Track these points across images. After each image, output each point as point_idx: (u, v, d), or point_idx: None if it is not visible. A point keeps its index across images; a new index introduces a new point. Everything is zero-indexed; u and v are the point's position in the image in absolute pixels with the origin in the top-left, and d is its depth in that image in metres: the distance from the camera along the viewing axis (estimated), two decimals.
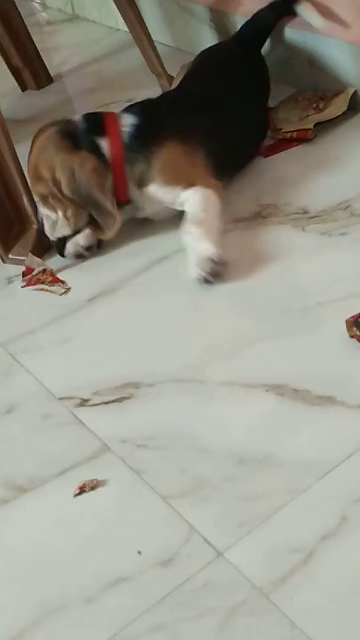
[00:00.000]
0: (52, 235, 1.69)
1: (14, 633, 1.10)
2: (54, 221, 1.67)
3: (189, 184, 1.62)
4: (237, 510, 1.15)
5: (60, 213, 1.65)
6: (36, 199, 1.69)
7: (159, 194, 1.64)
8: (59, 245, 1.69)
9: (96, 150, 1.62)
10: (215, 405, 1.31)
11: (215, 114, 1.72)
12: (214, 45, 2.01)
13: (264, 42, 1.95)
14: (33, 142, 1.68)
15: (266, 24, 1.94)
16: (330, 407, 1.25)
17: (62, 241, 1.68)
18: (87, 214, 1.65)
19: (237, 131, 1.74)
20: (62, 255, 1.69)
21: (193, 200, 1.61)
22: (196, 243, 1.56)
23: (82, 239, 1.66)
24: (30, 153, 1.67)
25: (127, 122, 1.66)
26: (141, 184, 1.64)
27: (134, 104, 1.74)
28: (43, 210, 1.68)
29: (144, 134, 1.64)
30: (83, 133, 1.64)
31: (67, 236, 1.68)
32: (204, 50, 1.95)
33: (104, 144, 1.63)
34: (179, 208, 1.63)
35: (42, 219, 1.70)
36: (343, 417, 1.23)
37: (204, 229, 1.57)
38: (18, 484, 1.28)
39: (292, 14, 1.89)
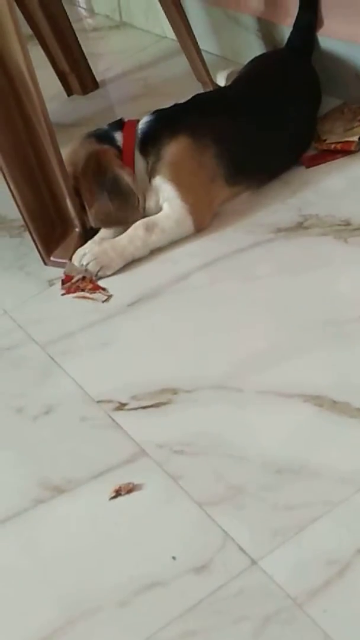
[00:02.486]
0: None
1: (47, 633, 1.10)
2: None
3: (189, 193, 1.67)
4: (273, 519, 1.15)
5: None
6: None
7: (162, 186, 1.69)
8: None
9: (114, 145, 1.73)
10: (253, 414, 1.31)
11: (248, 116, 1.75)
12: (266, 52, 2.02)
13: (312, 44, 1.95)
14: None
15: (307, 22, 1.95)
16: None
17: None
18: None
19: (271, 136, 1.75)
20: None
21: (168, 216, 1.67)
22: (112, 242, 1.66)
23: (86, 259, 1.67)
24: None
25: (145, 119, 1.75)
26: (152, 175, 1.70)
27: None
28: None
29: (158, 128, 1.72)
30: (104, 131, 1.77)
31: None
32: (255, 57, 1.97)
33: (119, 137, 1.73)
34: (159, 204, 1.70)
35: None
36: None
37: (132, 248, 1.66)
38: (54, 484, 1.29)
39: None
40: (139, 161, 1.72)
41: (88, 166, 1.71)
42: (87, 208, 1.71)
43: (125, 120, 1.77)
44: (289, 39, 1.97)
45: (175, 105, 1.81)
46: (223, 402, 1.34)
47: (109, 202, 1.69)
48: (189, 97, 1.84)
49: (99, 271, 1.66)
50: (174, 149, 1.69)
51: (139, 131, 1.74)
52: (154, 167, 1.70)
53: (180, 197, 1.67)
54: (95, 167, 1.71)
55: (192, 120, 1.73)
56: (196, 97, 1.85)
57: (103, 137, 1.76)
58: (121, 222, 1.70)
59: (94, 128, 1.81)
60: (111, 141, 1.74)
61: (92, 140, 1.76)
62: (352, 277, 1.50)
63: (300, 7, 1.94)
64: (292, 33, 1.97)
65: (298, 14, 1.95)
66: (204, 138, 1.69)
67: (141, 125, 1.75)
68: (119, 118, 1.80)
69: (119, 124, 1.77)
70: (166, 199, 1.68)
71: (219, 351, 1.44)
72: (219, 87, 2.06)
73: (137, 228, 1.67)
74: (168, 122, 1.73)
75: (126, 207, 1.69)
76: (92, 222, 1.72)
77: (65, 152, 1.75)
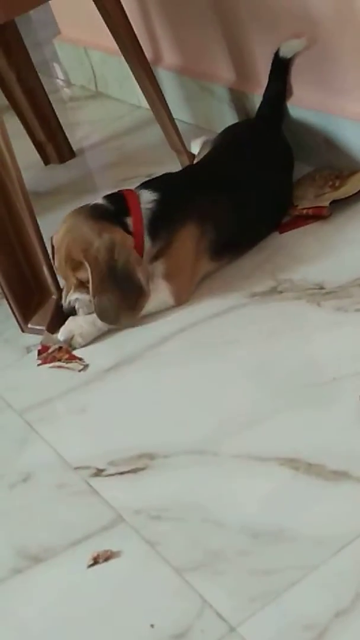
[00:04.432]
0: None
1: None
2: (88, 303, 1.68)
3: (176, 276, 1.68)
4: (251, 584, 1.15)
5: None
6: (71, 283, 1.69)
7: (160, 269, 1.69)
8: None
9: (126, 229, 1.67)
10: (230, 478, 1.32)
11: (231, 191, 1.77)
12: (238, 122, 2.06)
13: (282, 113, 2.00)
14: (63, 229, 1.69)
15: (277, 91, 1.99)
16: (344, 482, 1.25)
17: None
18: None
19: (254, 211, 1.78)
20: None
21: (155, 294, 1.68)
22: (86, 316, 1.67)
23: (61, 334, 1.68)
24: (60, 240, 1.68)
25: (147, 199, 1.71)
26: (156, 257, 1.70)
27: (151, 179, 1.79)
28: (77, 295, 1.69)
29: (165, 211, 1.70)
30: (113, 214, 1.68)
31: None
32: (227, 127, 2.01)
33: (129, 222, 1.68)
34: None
35: (70, 303, 1.70)
36: (358, 492, 1.23)
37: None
38: (32, 554, 1.28)
39: (285, 63, 1.96)
40: (147, 245, 1.69)
41: (105, 254, 1.63)
42: (90, 292, 1.65)
43: (124, 194, 1.71)
44: (260, 108, 2.02)
45: (172, 178, 1.79)
46: (199, 467, 1.34)
47: (113, 302, 1.64)
48: (164, 165, 1.87)
49: (73, 342, 1.67)
50: (180, 242, 1.69)
51: (145, 216, 1.69)
52: (158, 252, 1.70)
53: (167, 279, 1.69)
54: (112, 257, 1.63)
55: (196, 205, 1.71)
56: (185, 171, 1.86)
57: (114, 219, 1.67)
58: (115, 322, 1.68)
59: (70, 196, 1.80)
60: (123, 225, 1.67)
61: (97, 220, 1.66)
62: (325, 341, 1.52)
63: (270, 78, 1.99)
64: (262, 103, 2.01)
65: (268, 83, 2.00)
66: (206, 225, 1.71)
67: (145, 208, 1.69)
68: (115, 192, 1.73)
69: (122, 203, 1.69)
70: (153, 278, 1.69)
71: (194, 416, 1.44)
72: (201, 158, 2.05)
73: None
74: (174, 207, 1.71)
75: (132, 307, 1.66)
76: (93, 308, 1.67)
77: (64, 236, 1.68)
